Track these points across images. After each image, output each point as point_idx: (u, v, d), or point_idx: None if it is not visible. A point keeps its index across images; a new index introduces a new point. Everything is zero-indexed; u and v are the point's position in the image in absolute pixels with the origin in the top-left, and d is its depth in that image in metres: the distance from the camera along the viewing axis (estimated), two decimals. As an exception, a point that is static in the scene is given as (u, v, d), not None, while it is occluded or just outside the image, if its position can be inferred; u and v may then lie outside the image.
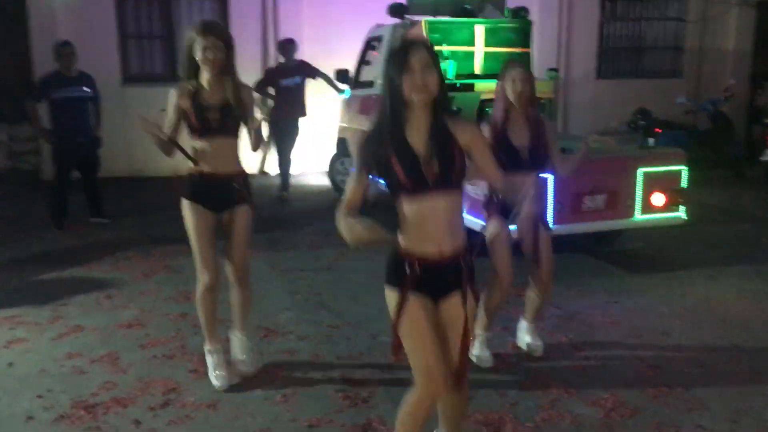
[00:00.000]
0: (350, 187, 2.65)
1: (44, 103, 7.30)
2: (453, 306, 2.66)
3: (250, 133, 3.77)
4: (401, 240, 2.62)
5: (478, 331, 4.12)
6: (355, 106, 8.56)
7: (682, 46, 12.17)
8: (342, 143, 9.03)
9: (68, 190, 7.47)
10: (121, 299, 5.34)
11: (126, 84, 10.47)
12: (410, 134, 2.56)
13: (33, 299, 5.28)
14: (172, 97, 3.70)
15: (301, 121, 8.87)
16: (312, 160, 10.66)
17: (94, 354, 4.35)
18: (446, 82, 2.64)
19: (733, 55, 12.02)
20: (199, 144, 3.71)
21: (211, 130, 3.68)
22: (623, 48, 12.04)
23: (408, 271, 2.58)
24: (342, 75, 8.62)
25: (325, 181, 9.72)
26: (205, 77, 3.66)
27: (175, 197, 3.83)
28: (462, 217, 2.68)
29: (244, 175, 3.85)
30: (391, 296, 2.65)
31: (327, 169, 9.51)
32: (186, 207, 3.77)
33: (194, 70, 3.65)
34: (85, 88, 7.36)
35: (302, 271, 6.04)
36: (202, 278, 3.84)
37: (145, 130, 3.62)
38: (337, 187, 9.27)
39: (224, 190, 3.78)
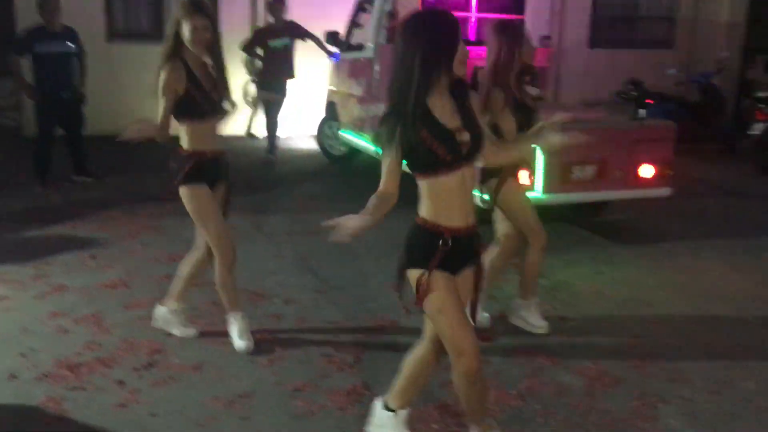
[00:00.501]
0: (386, 173, 2.54)
1: (27, 57, 7.14)
2: (466, 279, 2.66)
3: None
4: (429, 217, 2.56)
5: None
6: (345, 70, 8.45)
7: (675, 16, 12.10)
8: (331, 107, 8.94)
9: (51, 147, 7.36)
10: (106, 259, 5.29)
11: (111, 40, 10.26)
12: (434, 109, 2.49)
13: (15, 257, 5.22)
14: (169, 79, 3.56)
15: (290, 83, 8.75)
16: (300, 123, 10.55)
17: (78, 313, 4.32)
18: None
19: (725, 28, 11.96)
20: (200, 126, 3.67)
21: (208, 111, 3.66)
22: (616, 17, 11.94)
23: (441, 245, 2.53)
24: (332, 37, 8.48)
25: (313, 145, 9.64)
26: (191, 56, 3.59)
27: (175, 181, 3.74)
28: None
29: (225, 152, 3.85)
30: (417, 276, 2.57)
31: (315, 132, 9.43)
32: (194, 189, 3.70)
33: (178, 47, 3.56)
34: (69, 43, 7.21)
35: (288, 235, 6.01)
36: (226, 258, 3.82)
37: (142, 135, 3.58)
38: (326, 150, 9.21)
39: (217, 168, 3.78)
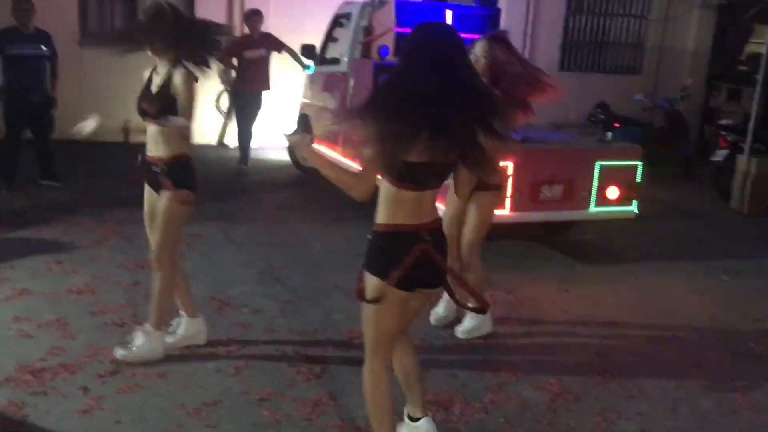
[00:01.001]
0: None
1: (-2, 59, 7.06)
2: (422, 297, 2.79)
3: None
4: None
5: None
6: (320, 83, 8.50)
7: (644, 43, 12.39)
8: (303, 119, 8.95)
9: (19, 150, 7.26)
10: (72, 264, 5.24)
11: (84, 44, 10.17)
12: None
13: (-22, 260, 5.15)
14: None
15: (264, 94, 8.76)
16: (272, 134, 10.55)
17: (42, 318, 4.27)
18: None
19: (691, 56, 12.29)
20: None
21: (145, 114, 3.67)
22: (586, 42, 12.19)
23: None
24: (308, 50, 8.53)
25: (284, 157, 9.64)
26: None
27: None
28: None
29: (168, 161, 3.68)
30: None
31: (287, 144, 9.43)
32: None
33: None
34: (42, 46, 7.14)
35: (257, 245, 6.00)
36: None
37: None
38: (297, 163, 9.21)
39: (152, 173, 3.74)
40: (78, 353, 3.86)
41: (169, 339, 3.94)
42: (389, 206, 2.62)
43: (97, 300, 4.61)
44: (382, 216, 2.64)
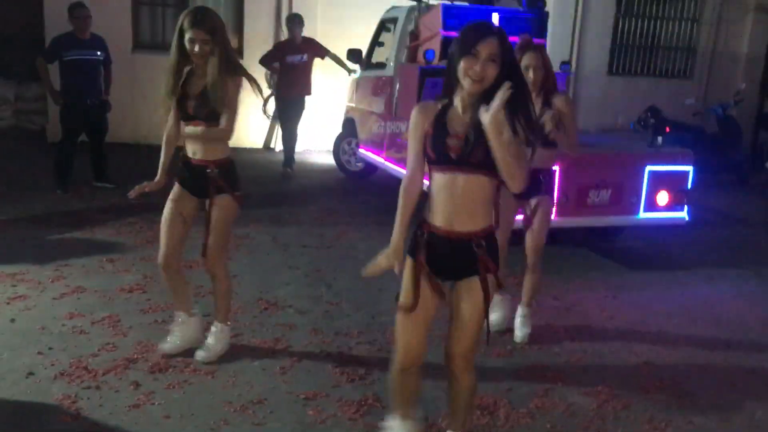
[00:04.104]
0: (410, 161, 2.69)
1: (55, 63, 7.29)
2: (468, 290, 2.68)
3: (221, 119, 3.67)
4: (423, 210, 2.71)
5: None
6: (365, 87, 8.55)
7: (695, 47, 12.14)
8: (349, 123, 9.03)
9: (74, 153, 7.48)
10: (123, 263, 5.37)
11: (136, 50, 10.43)
12: (454, 109, 2.61)
13: (35, 258, 5.31)
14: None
15: (308, 98, 8.85)
16: (318, 138, 10.66)
17: (95, 315, 4.39)
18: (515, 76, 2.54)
19: (745, 60, 12.00)
20: (183, 129, 3.75)
21: (188, 116, 3.70)
22: (636, 45, 12.00)
23: (416, 235, 2.69)
24: (354, 55, 8.59)
25: (330, 160, 9.72)
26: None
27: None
28: (490, 204, 2.66)
29: (222, 164, 3.74)
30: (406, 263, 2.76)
31: (332, 148, 9.52)
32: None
33: (184, 53, 3.62)
34: (97, 52, 7.35)
35: (304, 247, 6.06)
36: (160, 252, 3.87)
37: None
38: (342, 166, 9.29)
39: (200, 176, 3.76)
40: (129, 349, 3.95)
41: (166, 346, 3.92)
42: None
43: (147, 298, 4.72)
44: (489, 216, 2.67)
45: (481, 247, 2.62)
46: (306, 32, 8.77)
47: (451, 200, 2.60)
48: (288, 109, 8.79)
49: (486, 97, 2.47)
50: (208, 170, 3.72)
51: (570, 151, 4.23)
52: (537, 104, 3.98)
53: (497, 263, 2.68)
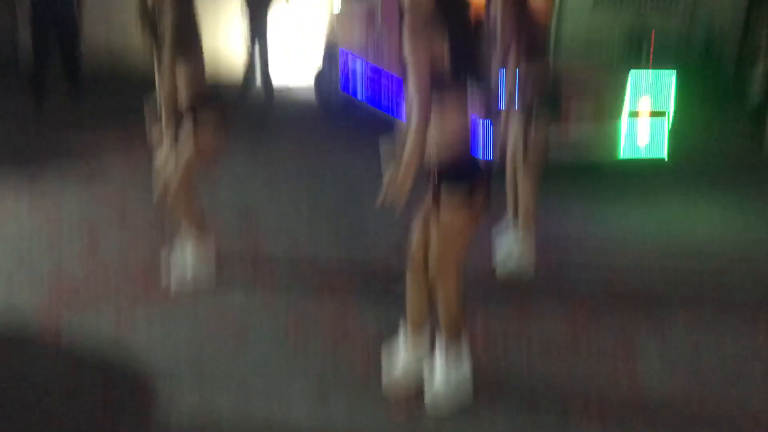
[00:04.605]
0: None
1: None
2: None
3: None
4: None
5: None
6: (347, 19, 8.08)
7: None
8: (328, 56, 8.57)
9: (47, 54, 7.15)
10: (102, 171, 5.27)
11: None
12: None
13: (8, 162, 5.21)
14: None
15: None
16: (296, 71, 10.20)
17: (73, 222, 4.33)
18: None
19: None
20: None
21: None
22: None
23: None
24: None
25: (310, 95, 9.28)
26: None
27: None
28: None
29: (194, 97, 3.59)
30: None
31: (313, 79, 9.04)
32: None
33: None
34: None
35: (286, 168, 5.91)
36: None
37: None
38: (323, 98, 8.77)
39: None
40: (111, 261, 3.92)
41: (180, 274, 3.83)
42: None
43: (126, 206, 4.65)
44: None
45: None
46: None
47: None
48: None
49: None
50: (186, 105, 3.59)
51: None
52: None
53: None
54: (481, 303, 3.80)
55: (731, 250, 4.90)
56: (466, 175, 2.72)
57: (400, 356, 3.06)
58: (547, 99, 4.12)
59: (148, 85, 3.72)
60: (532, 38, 4.02)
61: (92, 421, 2.72)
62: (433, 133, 2.64)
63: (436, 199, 2.73)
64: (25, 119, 6.47)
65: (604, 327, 3.70)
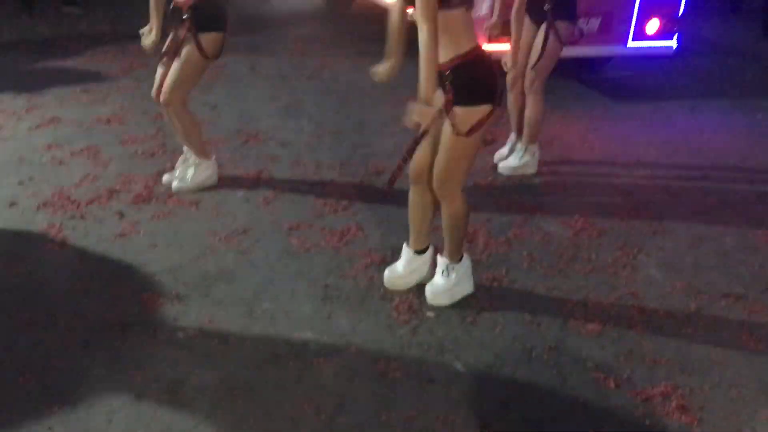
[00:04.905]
0: None
1: None
2: (448, 121, 2.69)
3: None
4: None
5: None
6: None
7: None
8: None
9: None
10: (99, 93, 5.24)
11: None
12: None
13: (6, 88, 5.16)
14: None
15: None
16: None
17: (74, 146, 4.34)
18: None
19: None
20: None
21: None
22: None
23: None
24: None
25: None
26: None
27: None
28: (454, 34, 2.58)
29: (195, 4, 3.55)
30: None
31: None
32: None
33: None
34: None
35: (284, 79, 5.92)
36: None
37: None
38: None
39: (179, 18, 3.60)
40: (111, 180, 3.95)
41: (177, 184, 3.88)
42: (468, 31, 2.60)
43: (126, 129, 4.65)
44: (466, 43, 2.59)
45: (447, 80, 2.61)
46: None
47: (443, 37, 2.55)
48: None
49: None
50: (182, 12, 3.56)
51: None
52: None
53: (465, 96, 2.63)
54: (482, 206, 3.84)
55: (734, 151, 4.90)
56: (486, 88, 2.67)
57: (402, 265, 3.11)
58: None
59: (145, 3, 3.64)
60: None
61: (98, 316, 2.81)
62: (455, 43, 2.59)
63: (451, 112, 2.66)
64: (16, 38, 6.38)
65: (606, 231, 3.74)
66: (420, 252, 3.12)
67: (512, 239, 3.63)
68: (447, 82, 2.61)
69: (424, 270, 3.13)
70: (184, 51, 3.60)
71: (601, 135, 5.15)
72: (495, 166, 4.42)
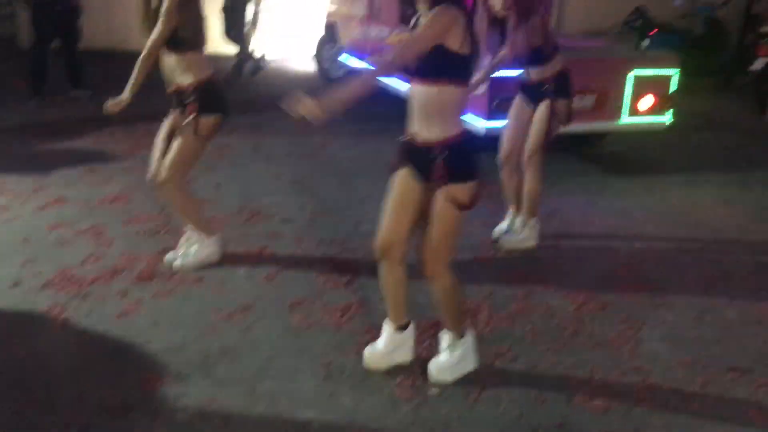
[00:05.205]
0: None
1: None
2: (436, 198, 2.76)
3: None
4: None
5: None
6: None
7: (685, -55, 11.79)
8: (330, 28, 8.80)
9: (48, 59, 7.26)
10: (104, 173, 5.33)
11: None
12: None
13: (13, 169, 5.25)
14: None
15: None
16: (299, 43, 10.40)
17: (78, 226, 4.39)
18: None
19: (735, -41, 11.68)
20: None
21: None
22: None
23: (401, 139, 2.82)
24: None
25: (311, 66, 9.54)
26: None
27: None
28: (448, 112, 2.67)
29: (195, 87, 3.67)
30: None
31: (314, 53, 9.32)
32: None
33: None
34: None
35: (286, 156, 6.03)
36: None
37: None
38: (324, 72, 9.12)
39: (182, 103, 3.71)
40: (115, 259, 3.97)
41: (179, 262, 3.91)
42: (458, 110, 2.71)
43: (130, 209, 4.71)
44: (456, 122, 2.70)
45: (440, 157, 2.68)
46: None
47: (412, 109, 2.71)
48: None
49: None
50: (184, 95, 3.68)
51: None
52: (519, 29, 4.03)
53: (463, 173, 2.70)
54: (483, 281, 3.85)
55: (732, 224, 4.94)
56: (475, 166, 2.75)
57: (383, 342, 3.09)
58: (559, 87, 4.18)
59: (150, 82, 3.76)
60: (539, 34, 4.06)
61: (99, 398, 2.78)
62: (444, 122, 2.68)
63: (443, 191, 2.73)
64: (25, 121, 6.53)
65: (608, 305, 3.73)
66: (400, 328, 3.07)
67: (515, 314, 3.62)
68: (440, 160, 2.69)
69: (407, 348, 3.09)
70: (184, 133, 3.68)
71: (599, 208, 5.20)
72: (495, 241, 4.45)
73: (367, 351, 3.10)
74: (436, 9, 2.55)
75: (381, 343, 3.09)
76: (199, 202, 3.94)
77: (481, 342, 3.22)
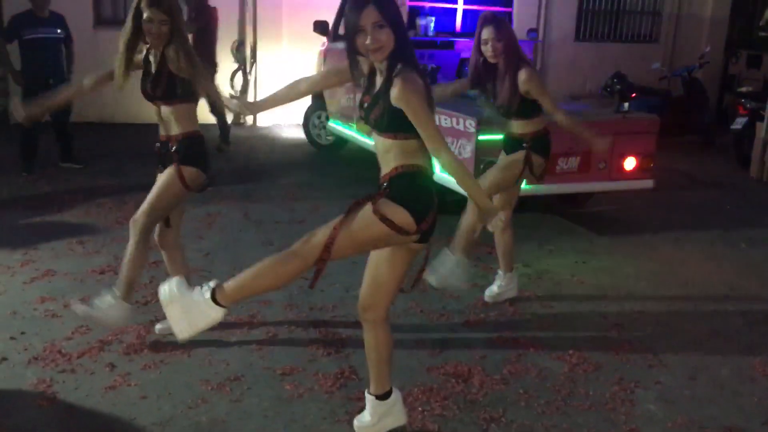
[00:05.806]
0: None
1: (15, 43, 7.12)
2: None
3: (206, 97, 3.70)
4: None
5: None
6: (333, 59, 8.47)
7: (661, 11, 12.22)
8: (318, 97, 8.95)
9: (39, 134, 7.34)
10: (94, 245, 5.32)
11: (98, 27, 10.20)
12: (377, 79, 2.71)
13: (2, 243, 5.24)
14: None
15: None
16: (286, 112, 10.55)
17: (67, 298, 4.35)
18: (408, 36, 2.70)
19: (709, 22, 12.10)
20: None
21: (149, 97, 3.69)
22: (602, 11, 12.04)
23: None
24: (321, 26, 8.50)
25: (300, 134, 9.67)
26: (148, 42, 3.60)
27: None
28: (402, 159, 2.69)
29: (181, 138, 3.67)
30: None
31: (302, 121, 9.46)
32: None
33: (137, 32, 3.56)
34: (57, 30, 7.19)
35: (276, 223, 6.06)
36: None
37: None
38: (313, 140, 9.24)
39: (165, 151, 3.73)
40: (103, 332, 3.93)
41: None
42: (422, 150, 2.67)
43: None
44: (416, 158, 2.69)
45: (379, 194, 2.73)
46: (271, 4, 8.64)
47: (379, 159, 2.78)
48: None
49: (394, 57, 2.59)
50: (170, 145, 3.69)
51: (554, 118, 4.24)
52: (506, 78, 4.06)
53: (401, 203, 2.67)
54: (475, 343, 3.82)
55: (721, 281, 4.96)
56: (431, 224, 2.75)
57: (368, 413, 3.04)
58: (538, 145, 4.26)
59: (139, 153, 3.80)
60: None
61: None
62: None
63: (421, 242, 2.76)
64: (15, 195, 6.55)
65: (601, 366, 3.71)
66: (381, 397, 3.00)
67: (508, 376, 3.60)
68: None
69: (397, 412, 3.03)
70: (164, 178, 3.69)
71: (589, 268, 5.23)
72: (485, 304, 4.45)
73: (356, 423, 3.05)
74: (406, 85, 2.54)
75: (367, 415, 3.04)
76: (144, 266, 3.89)
77: (474, 406, 3.19)
